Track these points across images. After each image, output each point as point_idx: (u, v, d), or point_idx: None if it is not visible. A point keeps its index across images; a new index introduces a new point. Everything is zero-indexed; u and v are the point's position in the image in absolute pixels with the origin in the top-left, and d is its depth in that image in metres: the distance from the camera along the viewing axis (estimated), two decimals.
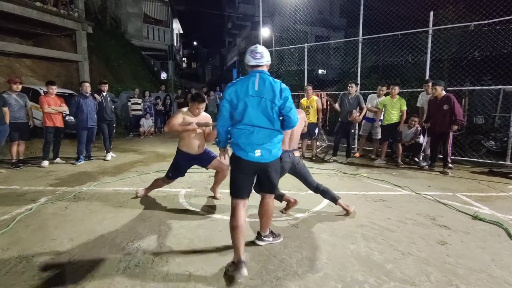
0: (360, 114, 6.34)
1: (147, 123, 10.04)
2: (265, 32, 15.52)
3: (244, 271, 2.12)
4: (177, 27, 23.32)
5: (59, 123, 5.94)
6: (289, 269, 2.36)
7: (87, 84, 6.32)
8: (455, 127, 5.44)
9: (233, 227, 2.28)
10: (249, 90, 2.25)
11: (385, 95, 6.60)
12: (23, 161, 5.82)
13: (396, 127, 6.22)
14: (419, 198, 4.16)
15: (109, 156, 6.60)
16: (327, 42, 8.15)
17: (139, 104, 10.33)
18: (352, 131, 6.50)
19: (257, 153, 2.26)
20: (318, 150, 7.45)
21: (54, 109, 5.80)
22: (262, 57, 2.31)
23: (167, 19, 18.73)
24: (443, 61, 7.56)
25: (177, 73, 26.62)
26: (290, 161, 3.17)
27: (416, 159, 6.40)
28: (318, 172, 5.61)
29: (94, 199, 3.96)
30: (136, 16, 17.13)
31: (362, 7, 7.27)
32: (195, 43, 38.72)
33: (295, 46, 8.83)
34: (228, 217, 3.19)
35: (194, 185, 4.64)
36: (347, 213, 3.45)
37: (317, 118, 6.77)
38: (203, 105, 3.53)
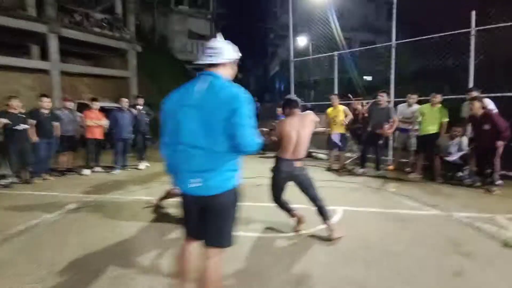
0: (391, 127, 5.91)
1: None
2: (301, 41, 15.46)
3: None
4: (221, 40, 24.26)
5: (99, 135, 6.54)
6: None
7: (125, 100, 6.89)
8: (501, 143, 4.76)
9: (176, 262, 1.94)
10: (188, 99, 1.69)
11: (417, 103, 6.10)
12: (69, 170, 6.49)
13: (433, 139, 5.67)
14: (448, 220, 3.72)
15: (142, 165, 7.04)
16: (357, 49, 7.80)
17: None
18: (381, 142, 6.07)
19: (194, 183, 1.67)
20: (347, 162, 7.10)
21: (94, 123, 6.40)
22: (217, 54, 1.73)
23: (210, 33, 19.62)
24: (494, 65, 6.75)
25: None
26: (289, 171, 3.05)
27: (461, 174, 5.74)
28: (341, 186, 5.34)
29: (112, 207, 4.25)
30: (182, 33, 18.28)
31: (395, 10, 6.84)
32: (242, 53, 39.94)
33: (323, 54, 8.61)
34: (242, 232, 3.23)
35: None
36: (331, 237, 3.08)
37: (346, 129, 6.49)
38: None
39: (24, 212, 4.01)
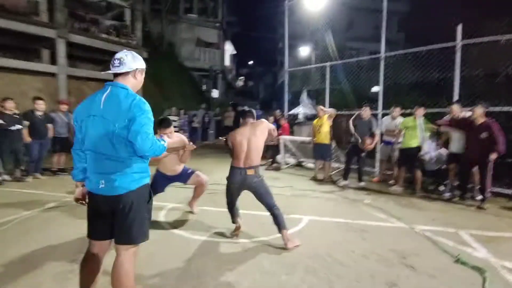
0: (372, 142, 5.92)
1: None
2: (304, 51, 15.62)
3: None
4: (229, 48, 24.68)
5: None
6: None
7: None
8: (494, 156, 4.68)
9: (80, 271, 1.98)
10: (94, 108, 1.84)
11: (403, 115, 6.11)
12: (62, 170, 6.75)
13: (415, 152, 5.65)
14: (408, 232, 3.72)
15: None
16: (351, 60, 7.85)
17: (175, 121, 11.16)
18: (363, 154, 6.09)
19: (100, 184, 1.82)
20: (333, 172, 7.11)
21: None
22: (121, 64, 1.88)
23: (218, 41, 20.01)
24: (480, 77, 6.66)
25: (229, 91, 27.98)
26: (240, 179, 3.14)
27: (441, 188, 5.70)
28: (317, 196, 5.39)
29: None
30: (189, 40, 18.74)
31: (384, 22, 6.89)
32: (250, 62, 40.33)
33: (316, 65, 8.69)
34: (192, 235, 3.36)
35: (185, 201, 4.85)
36: (285, 246, 3.11)
37: (330, 139, 6.54)
38: (169, 130, 3.69)
39: (5, 208, 4.23)
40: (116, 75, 1.93)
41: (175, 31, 18.18)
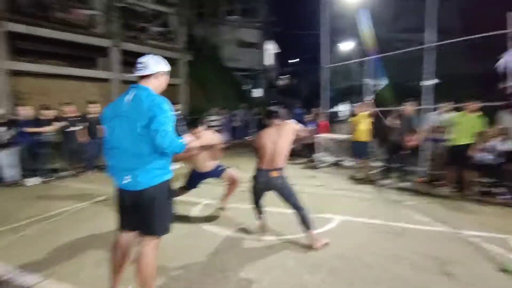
0: (414, 139, 5.52)
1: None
2: (346, 46, 15.06)
3: None
4: (272, 47, 24.71)
5: None
6: (222, 284, 2.43)
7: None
8: None
9: (111, 258, 2.16)
10: (119, 109, 1.99)
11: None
12: None
13: (466, 150, 5.15)
14: (451, 237, 3.42)
15: (177, 165, 7.65)
16: (388, 54, 7.34)
17: (216, 121, 11.51)
18: (405, 152, 5.69)
19: (125, 179, 1.97)
20: (374, 172, 6.77)
21: None
22: (145, 67, 2.02)
23: (259, 41, 20.18)
24: None
25: (272, 90, 28.03)
26: (264, 181, 3.15)
27: (497, 191, 5.12)
28: (352, 196, 5.18)
29: None
30: (231, 42, 19.16)
31: (432, 9, 6.36)
32: (294, 60, 39.96)
33: (353, 61, 8.33)
34: (221, 231, 3.47)
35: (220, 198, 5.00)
36: (312, 246, 3.07)
37: (369, 137, 6.24)
38: (198, 130, 3.84)
39: (61, 200, 4.75)
40: (140, 77, 2.06)
41: (218, 33, 18.74)
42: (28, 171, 5.90)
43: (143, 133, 1.90)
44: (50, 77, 10.95)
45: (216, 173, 4.18)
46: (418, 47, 6.57)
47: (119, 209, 2.11)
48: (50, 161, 6.39)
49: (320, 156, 8.07)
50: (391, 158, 5.91)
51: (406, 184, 5.74)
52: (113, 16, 12.19)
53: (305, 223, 3.11)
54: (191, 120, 3.95)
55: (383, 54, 7.44)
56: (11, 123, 5.82)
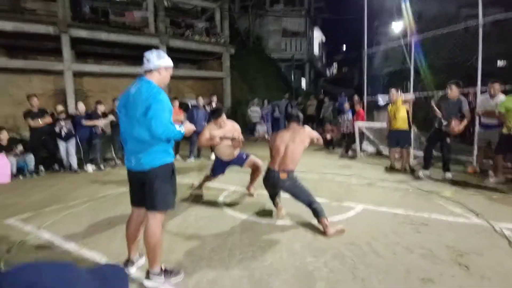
0: (460, 124, 5.05)
1: (261, 129, 11.23)
2: (397, 26, 13.99)
3: (129, 270, 2.39)
4: (318, 35, 24.01)
5: None
6: (226, 261, 2.60)
7: (201, 98, 8.00)
8: None
9: (125, 229, 2.45)
10: (126, 99, 2.24)
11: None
12: None
13: None
14: (484, 230, 3.14)
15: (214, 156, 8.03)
16: (431, 32, 6.63)
17: (257, 112, 11.68)
18: (449, 139, 5.23)
19: (132, 161, 2.24)
20: (414, 162, 6.35)
21: (174, 118, 7.70)
22: (148, 62, 2.23)
23: (304, 30, 19.75)
24: None
25: (319, 80, 27.29)
26: (273, 182, 3.27)
27: None
28: (384, 185, 4.96)
29: None
30: (276, 32, 19.07)
31: None
32: (343, 48, 38.24)
33: (395, 42, 7.76)
34: (240, 215, 3.66)
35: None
36: (325, 233, 3.05)
37: (409, 124, 5.86)
38: (221, 119, 4.05)
39: (109, 185, 5.36)
40: (145, 71, 2.28)
41: (262, 24, 18.78)
42: (85, 160, 6.72)
43: (142, 121, 2.14)
44: (108, 76, 12.14)
45: (241, 160, 4.36)
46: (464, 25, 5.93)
47: (130, 188, 2.40)
48: (103, 150, 7.19)
49: (360, 145, 7.79)
50: (433, 146, 5.49)
51: (449, 175, 5.31)
52: (161, 16, 13.00)
53: (317, 214, 3.13)
54: (214, 110, 4.16)
55: (429, 33, 6.82)
56: (71, 118, 6.67)
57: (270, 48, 18.70)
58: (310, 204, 3.18)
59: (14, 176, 5.96)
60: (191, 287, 2.25)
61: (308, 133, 3.36)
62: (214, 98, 8.31)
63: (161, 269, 2.29)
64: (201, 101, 7.92)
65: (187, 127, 2.38)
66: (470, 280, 2.26)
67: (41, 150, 6.58)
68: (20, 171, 6.20)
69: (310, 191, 3.27)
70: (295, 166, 3.32)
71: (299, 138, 3.26)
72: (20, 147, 6.26)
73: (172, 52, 13.72)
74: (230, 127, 4.20)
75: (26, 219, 3.71)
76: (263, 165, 4.38)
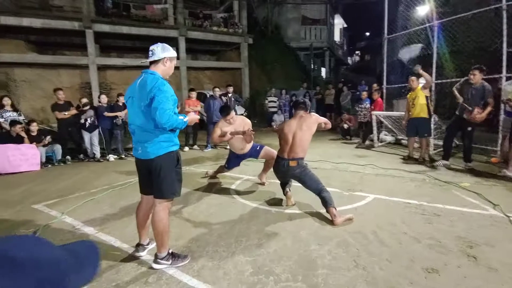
0: (483, 111, 4.80)
1: (279, 118, 11.18)
2: (422, 10, 13.29)
3: (139, 253, 2.55)
4: (339, 22, 23.32)
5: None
6: (232, 247, 2.69)
7: (217, 89, 8.08)
8: None
9: (135, 216, 2.59)
10: (132, 90, 2.33)
11: None
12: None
13: None
14: (499, 222, 3.03)
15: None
16: (455, 17, 6.25)
17: (275, 102, 11.63)
18: (470, 128, 5.00)
19: (139, 150, 2.34)
20: (434, 152, 6.14)
21: (191, 109, 7.85)
22: (153, 54, 2.31)
23: (325, 17, 19.25)
24: None
25: (340, 68, 26.61)
26: (283, 170, 3.30)
27: None
28: (400, 175, 4.85)
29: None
30: (295, 20, 18.71)
31: None
32: (367, 34, 36.89)
33: (415, 28, 7.40)
34: (250, 203, 3.75)
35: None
36: (333, 222, 3.06)
37: (429, 112, 5.65)
38: (230, 115, 4.09)
39: (129, 174, 5.58)
40: (150, 63, 2.36)
41: (281, 12, 18.48)
42: (107, 149, 7.04)
43: (146, 111, 2.22)
44: (130, 68, 12.49)
45: (255, 153, 4.43)
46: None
47: (139, 176, 2.51)
48: (124, 141, 7.48)
49: (377, 134, 7.62)
50: (453, 135, 5.28)
51: (470, 165, 5.11)
52: (180, 8, 13.13)
53: (326, 202, 3.15)
54: (222, 107, 4.22)
55: (449, 18, 6.48)
56: (94, 109, 6.98)
57: (289, 37, 18.42)
58: (320, 192, 3.20)
59: (43, 164, 6.36)
60: (196, 270, 2.35)
61: (315, 119, 3.34)
62: (230, 89, 8.37)
63: (168, 253, 2.41)
64: (217, 91, 8.01)
65: (191, 117, 2.46)
66: (476, 271, 2.21)
67: (67, 140, 6.96)
68: (48, 160, 6.60)
69: (319, 180, 3.28)
70: (305, 153, 3.33)
71: (305, 125, 3.26)
72: (48, 138, 6.65)
73: (191, 44, 13.94)
74: (240, 121, 4.25)
75: (52, 204, 3.98)
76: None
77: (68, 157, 6.80)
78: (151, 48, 2.35)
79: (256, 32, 16.29)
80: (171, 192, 2.37)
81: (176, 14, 13.21)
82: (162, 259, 2.38)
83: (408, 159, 5.90)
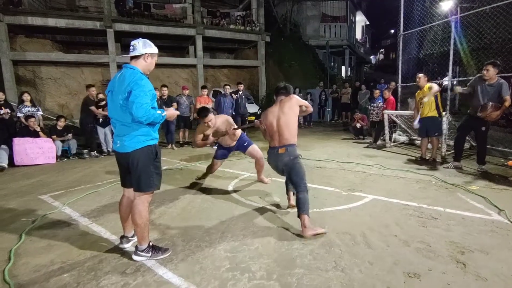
0: (498, 110, 4.50)
1: None
2: (446, 5, 12.66)
3: (123, 245, 2.64)
4: (361, 19, 22.73)
5: None
6: (215, 243, 2.70)
7: (228, 87, 8.12)
8: None
9: (118, 209, 2.63)
10: (112, 85, 2.37)
11: None
12: (186, 143, 8.37)
13: None
14: (502, 228, 2.84)
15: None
16: (477, 10, 5.87)
17: None
18: (483, 128, 4.70)
19: (118, 144, 2.37)
20: (447, 152, 5.84)
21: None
22: (134, 49, 2.34)
23: (345, 14, 18.83)
24: None
25: (362, 66, 25.93)
26: (274, 159, 3.13)
27: None
28: (406, 176, 4.66)
29: (185, 172, 5.43)
30: (314, 17, 18.45)
31: None
32: (392, 31, 35.67)
33: (434, 23, 7.04)
34: (245, 200, 3.75)
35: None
36: (301, 232, 2.79)
37: (439, 111, 5.39)
38: (207, 119, 3.99)
39: None
40: (131, 58, 2.38)
41: (300, 10, 18.29)
42: None
43: (124, 105, 2.26)
44: None
45: (242, 147, 4.42)
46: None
47: (119, 169, 2.55)
48: None
49: (390, 134, 7.36)
50: (465, 135, 5.01)
51: (483, 167, 4.83)
52: (197, 6, 13.31)
53: (299, 205, 2.88)
54: (200, 110, 4.15)
55: (469, 12, 6.12)
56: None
57: (308, 35, 18.22)
58: (300, 189, 2.94)
59: (59, 158, 6.67)
60: (175, 264, 2.38)
61: (296, 100, 3.15)
62: (241, 87, 8.38)
63: (149, 245, 2.45)
64: (227, 89, 8.05)
65: (170, 112, 2.48)
66: (462, 278, 2.09)
67: (87, 135, 7.26)
68: (64, 153, 6.91)
69: (305, 177, 3.04)
70: (294, 139, 3.11)
71: (287, 107, 3.08)
72: (70, 135, 6.98)
73: (208, 42, 14.11)
74: (222, 120, 4.22)
75: (57, 196, 4.17)
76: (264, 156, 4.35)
77: (85, 151, 7.08)
78: (132, 43, 2.38)
79: (275, 30, 16.21)
80: (149, 185, 2.40)
81: (194, 12, 13.40)
82: (142, 251, 2.43)
83: (420, 160, 5.65)
